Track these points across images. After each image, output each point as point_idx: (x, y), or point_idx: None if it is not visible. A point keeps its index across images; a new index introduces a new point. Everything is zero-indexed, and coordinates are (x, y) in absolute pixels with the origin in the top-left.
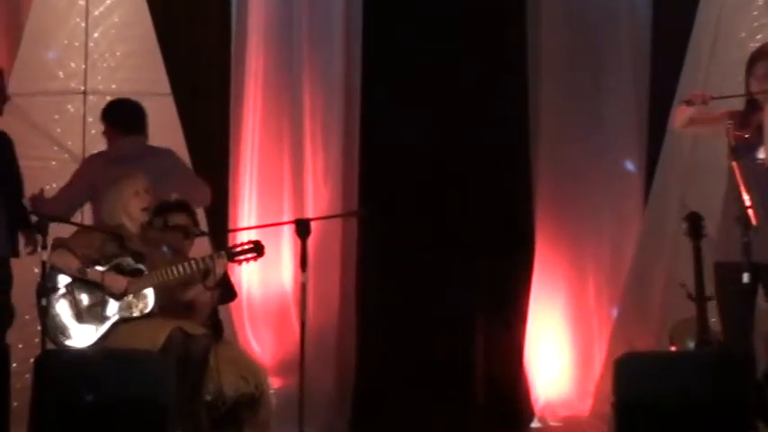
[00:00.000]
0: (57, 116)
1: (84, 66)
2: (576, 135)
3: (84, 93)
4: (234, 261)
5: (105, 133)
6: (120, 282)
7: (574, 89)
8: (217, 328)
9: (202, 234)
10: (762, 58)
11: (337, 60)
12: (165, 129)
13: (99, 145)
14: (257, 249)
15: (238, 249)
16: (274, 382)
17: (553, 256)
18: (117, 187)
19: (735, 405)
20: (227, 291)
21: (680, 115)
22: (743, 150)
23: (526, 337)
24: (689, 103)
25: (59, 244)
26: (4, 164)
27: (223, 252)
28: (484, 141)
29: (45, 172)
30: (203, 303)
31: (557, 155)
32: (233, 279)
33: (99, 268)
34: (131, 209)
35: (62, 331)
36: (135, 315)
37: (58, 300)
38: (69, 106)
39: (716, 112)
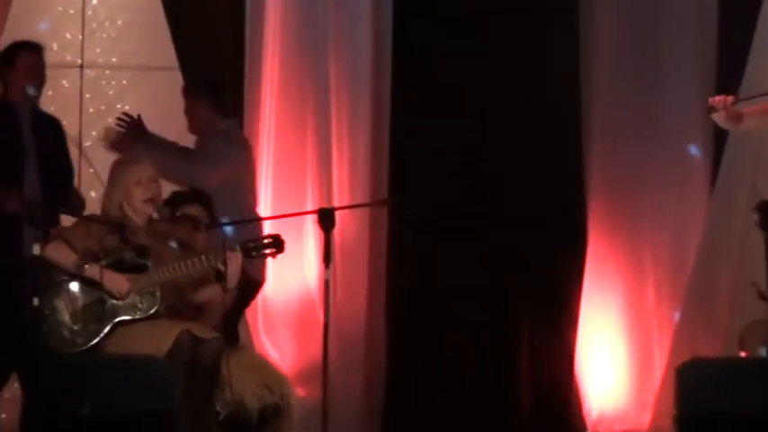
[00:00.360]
0: (50, 92)
1: (80, 36)
2: (633, 119)
3: (81, 66)
4: (250, 257)
5: (195, 112)
6: (121, 282)
7: (630, 66)
8: (231, 332)
9: (214, 226)
10: None
11: (365, 45)
12: (171, 107)
13: (97, 124)
14: (276, 244)
15: (255, 244)
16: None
17: (608, 252)
18: (119, 174)
19: None
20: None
21: (718, 121)
22: None
23: (577, 341)
24: (711, 110)
25: (56, 235)
26: (50, 152)
27: (237, 246)
28: (529, 127)
29: None
30: (215, 304)
31: (611, 141)
32: None
33: (99, 264)
34: (133, 199)
35: (56, 334)
36: (138, 316)
37: (52, 298)
38: (64, 81)
39: None
